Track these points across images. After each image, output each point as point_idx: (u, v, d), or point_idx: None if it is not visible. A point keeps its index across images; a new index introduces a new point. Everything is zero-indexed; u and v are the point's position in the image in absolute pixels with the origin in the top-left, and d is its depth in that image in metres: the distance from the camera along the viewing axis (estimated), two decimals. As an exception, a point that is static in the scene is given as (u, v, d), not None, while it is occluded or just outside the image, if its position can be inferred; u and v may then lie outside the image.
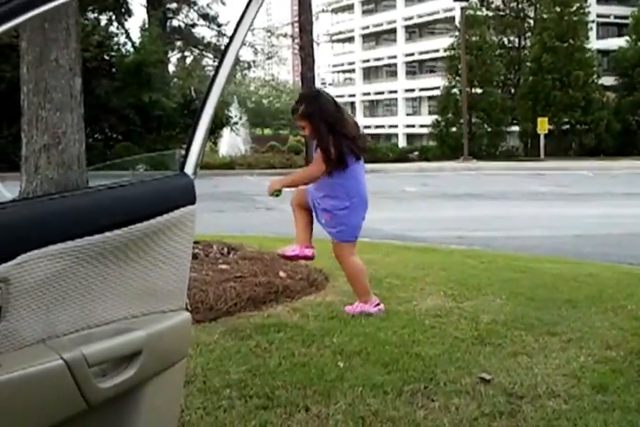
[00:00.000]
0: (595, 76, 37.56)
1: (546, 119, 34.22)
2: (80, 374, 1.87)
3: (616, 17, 51.84)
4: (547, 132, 34.04)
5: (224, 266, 5.82)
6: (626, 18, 43.54)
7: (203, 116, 2.27)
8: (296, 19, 32.20)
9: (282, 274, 5.74)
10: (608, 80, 39.75)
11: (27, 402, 1.80)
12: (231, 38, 2.28)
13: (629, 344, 4.50)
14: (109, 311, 2.06)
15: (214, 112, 2.30)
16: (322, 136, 4.90)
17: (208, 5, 33.59)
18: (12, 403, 1.77)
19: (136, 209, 2.08)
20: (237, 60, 2.38)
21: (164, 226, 2.12)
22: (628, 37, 39.20)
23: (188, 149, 2.29)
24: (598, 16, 47.66)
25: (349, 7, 69.47)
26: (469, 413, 3.44)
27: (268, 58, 35.50)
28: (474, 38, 36.62)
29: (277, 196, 4.95)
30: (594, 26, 42.92)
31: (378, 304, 5.14)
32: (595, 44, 41.73)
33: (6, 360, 1.79)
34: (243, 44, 2.32)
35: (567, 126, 36.80)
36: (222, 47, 31.64)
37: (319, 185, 5.04)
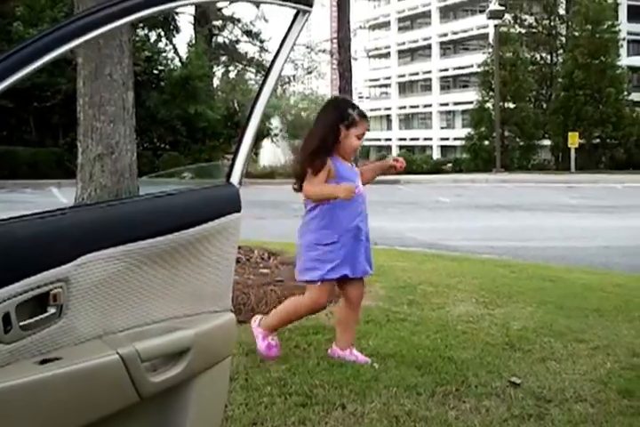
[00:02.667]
0: (625, 92, 37.22)
1: (577, 134, 33.93)
2: (133, 368, 1.92)
3: (646, 35, 51.42)
4: (577, 146, 33.76)
5: (265, 270, 5.87)
6: (656, 35, 43.18)
7: (248, 129, 2.32)
8: (335, 35, 32.29)
9: (320, 279, 5.77)
10: (638, 96, 39.38)
11: (85, 393, 1.86)
12: (276, 55, 2.33)
13: (655, 352, 4.48)
14: (160, 311, 2.11)
15: (259, 124, 2.35)
16: None
17: (251, 22, 33.75)
18: (71, 394, 1.83)
19: (185, 216, 2.13)
20: (280, 77, 2.42)
21: (211, 232, 2.17)
22: (657, 54, 38.85)
23: (234, 160, 2.34)
24: (629, 33, 47.25)
25: (386, 24, 69.47)
26: (499, 415, 3.46)
27: (308, 73, 35.57)
28: (507, 54, 36.43)
29: None
30: (624, 43, 42.54)
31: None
32: (625, 60, 41.38)
33: (67, 354, 1.85)
34: (286, 60, 2.37)
35: (598, 140, 36.46)
36: (264, 62, 31.92)
37: None
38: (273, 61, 2.34)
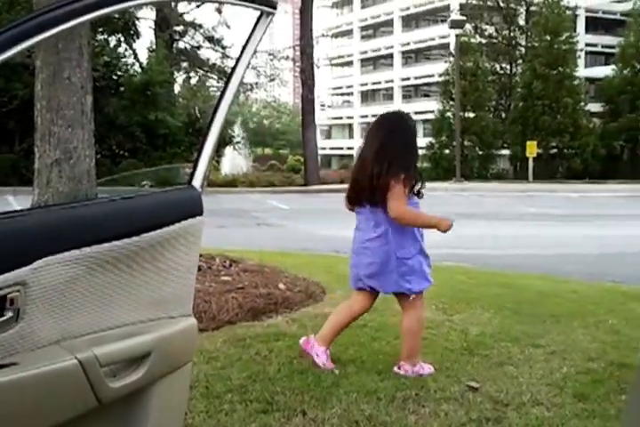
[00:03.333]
0: (582, 102, 37.71)
1: (535, 143, 34.28)
2: (93, 373, 1.90)
3: (603, 46, 52.21)
4: (535, 155, 34.11)
5: (226, 278, 5.85)
6: (613, 47, 43.80)
7: (210, 133, 2.32)
8: (297, 42, 32.35)
9: (281, 286, 5.78)
10: (595, 107, 39.91)
11: (43, 399, 1.84)
12: (239, 56, 2.34)
13: (610, 356, 4.54)
14: (120, 316, 2.09)
15: (221, 129, 2.35)
16: None
17: (213, 28, 33.63)
18: (29, 400, 1.80)
19: (146, 219, 2.13)
20: (242, 82, 2.43)
21: (172, 236, 2.16)
22: (614, 66, 39.39)
23: (196, 164, 2.34)
24: (587, 45, 47.99)
25: (349, 32, 69.77)
26: (458, 419, 3.49)
27: (270, 80, 35.53)
28: (468, 64, 36.71)
29: None
30: (582, 54, 43.16)
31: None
32: (583, 71, 41.96)
33: (24, 359, 1.83)
34: (248, 66, 2.38)
35: (555, 150, 36.86)
36: (226, 69, 31.79)
37: None
38: (236, 62, 2.34)
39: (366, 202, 4.16)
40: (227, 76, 2.41)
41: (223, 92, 2.35)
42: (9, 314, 1.83)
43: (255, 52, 2.37)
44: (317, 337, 4.28)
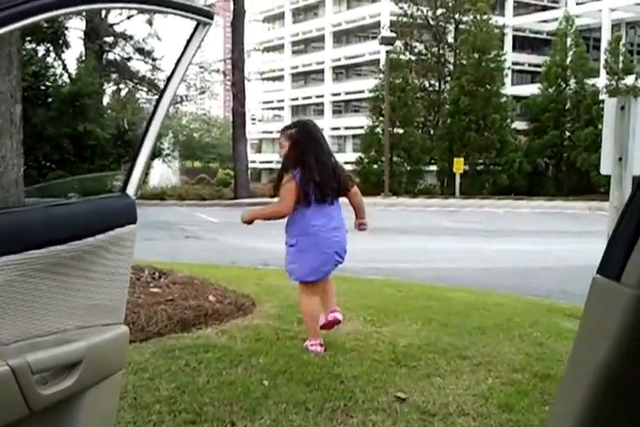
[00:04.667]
0: (509, 120, 38.43)
1: (462, 159, 34.81)
2: (24, 380, 1.88)
3: (530, 64, 53.30)
4: (462, 171, 34.64)
5: (155, 289, 5.82)
6: (539, 66, 44.78)
7: (145, 140, 2.32)
8: (229, 56, 32.35)
9: (211, 298, 5.77)
10: (520, 124, 40.69)
11: None
12: (174, 68, 2.34)
13: (534, 368, 4.65)
14: (52, 322, 2.07)
15: (156, 137, 2.36)
16: (296, 161, 4.92)
17: (144, 40, 33.45)
18: None
19: (79, 226, 2.11)
20: (179, 85, 2.45)
21: (105, 243, 2.15)
22: (539, 84, 40.29)
23: (130, 172, 2.33)
24: (513, 63, 48.94)
25: (280, 47, 69.93)
26: (385, 429, 3.54)
27: (201, 93, 35.43)
28: (397, 81, 37.08)
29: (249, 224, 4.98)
30: (509, 72, 44.02)
31: (320, 345, 4.92)
32: (510, 89, 42.78)
33: None
34: (185, 74, 2.40)
35: (482, 166, 37.41)
36: (156, 81, 31.58)
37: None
38: (173, 71, 2.35)
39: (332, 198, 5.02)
40: (157, 89, 2.42)
41: (159, 99, 2.35)
42: None
43: (192, 59, 2.38)
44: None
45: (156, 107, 2.35)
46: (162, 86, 2.45)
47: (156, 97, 2.41)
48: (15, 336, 1.98)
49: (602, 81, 37.80)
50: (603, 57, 38.84)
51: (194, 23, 2.35)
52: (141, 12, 31.39)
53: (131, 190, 2.31)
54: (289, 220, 4.95)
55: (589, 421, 0.93)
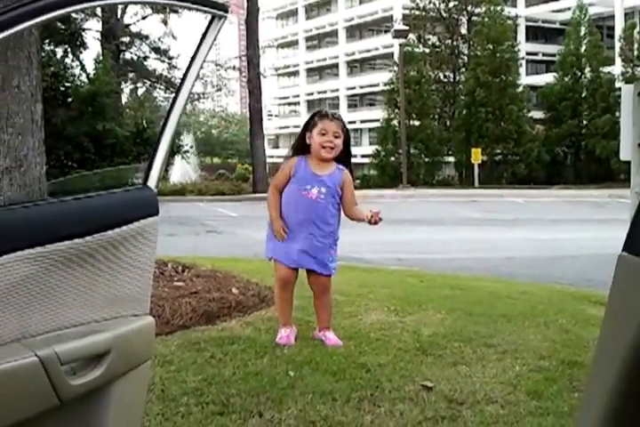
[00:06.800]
0: (525, 109, 38.26)
1: (479, 150, 34.69)
2: (53, 370, 1.88)
3: (544, 54, 53.03)
4: (480, 162, 34.52)
5: (179, 283, 5.81)
6: (553, 55, 44.56)
7: (164, 135, 2.31)
8: (244, 53, 32.36)
9: (234, 290, 5.75)
10: (537, 114, 40.52)
11: (2, 396, 1.81)
12: (191, 62, 2.33)
13: (561, 355, 4.59)
14: (79, 314, 2.07)
15: (174, 132, 2.35)
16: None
17: (159, 39, 33.55)
18: None
19: (103, 218, 2.11)
20: (196, 79, 2.44)
21: (128, 235, 2.15)
22: (555, 74, 40.08)
23: (150, 165, 2.33)
24: (527, 53, 48.69)
25: (294, 43, 69.97)
26: (413, 417, 3.49)
27: (218, 90, 35.49)
28: (412, 73, 37.02)
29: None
30: (523, 62, 43.81)
31: (281, 337, 4.74)
32: (525, 79, 42.58)
33: None
34: (201, 68, 2.38)
35: (500, 157, 37.33)
36: (173, 79, 31.67)
37: None
38: (190, 64, 2.34)
39: None
40: (174, 87, 2.41)
41: (177, 95, 2.35)
42: None
43: (208, 53, 2.37)
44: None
45: (173, 102, 2.34)
46: (178, 84, 2.43)
47: (173, 95, 2.39)
48: (43, 328, 1.98)
49: (617, 69, 37.59)
50: (617, 45, 38.56)
51: (207, 20, 2.34)
52: (156, 11, 31.53)
53: (152, 183, 2.31)
54: (336, 218, 4.84)
55: (621, 403, 0.89)
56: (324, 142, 4.63)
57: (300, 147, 4.74)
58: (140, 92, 36.09)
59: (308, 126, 4.68)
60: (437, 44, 41.88)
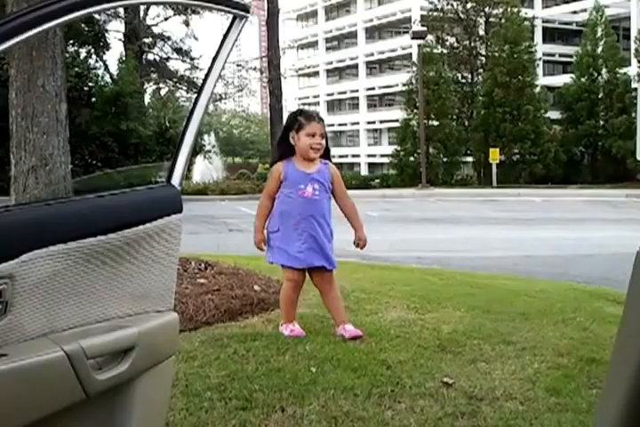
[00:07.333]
0: (542, 110, 38.05)
1: (497, 150, 34.51)
2: (79, 365, 1.88)
3: (560, 55, 52.76)
4: (498, 161, 34.35)
5: (202, 280, 5.81)
6: (569, 56, 44.31)
7: (186, 134, 2.32)
8: (264, 54, 32.39)
9: (256, 288, 5.75)
10: (554, 114, 40.30)
11: (31, 390, 1.82)
12: (213, 60, 2.33)
13: (579, 352, 4.56)
14: (105, 309, 2.08)
15: (197, 131, 2.35)
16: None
17: (181, 40, 33.67)
18: (17, 390, 1.78)
19: (128, 215, 2.12)
20: (219, 78, 2.45)
21: (153, 232, 2.16)
22: (571, 74, 39.86)
23: (174, 163, 2.33)
24: (544, 55, 48.46)
25: (314, 44, 69.98)
26: (433, 413, 3.48)
27: (239, 90, 35.57)
28: (430, 74, 36.88)
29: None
30: (541, 63, 43.60)
31: (292, 330, 4.82)
32: (542, 80, 42.38)
33: (12, 351, 1.81)
34: (223, 67, 2.37)
35: (517, 156, 37.15)
36: (195, 80, 31.75)
37: None
38: (211, 66, 2.34)
39: None
40: (196, 87, 2.42)
41: (199, 93, 2.35)
42: None
43: (229, 56, 2.37)
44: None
45: (195, 102, 2.34)
46: (200, 84, 2.43)
47: (195, 95, 2.40)
48: (69, 323, 1.99)
49: (633, 69, 37.30)
50: (633, 46, 38.28)
51: (229, 21, 2.34)
52: (178, 12, 31.62)
53: (175, 181, 2.31)
54: (330, 212, 4.92)
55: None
56: (313, 144, 4.69)
57: (287, 149, 4.76)
58: (163, 92, 36.23)
59: (293, 127, 4.71)
60: (455, 45, 41.75)
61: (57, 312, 1.94)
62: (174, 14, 32.33)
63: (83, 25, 26.96)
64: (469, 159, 39.24)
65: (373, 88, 62.72)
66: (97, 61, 30.24)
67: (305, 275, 4.91)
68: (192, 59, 33.57)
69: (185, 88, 33.84)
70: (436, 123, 37.01)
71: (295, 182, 4.72)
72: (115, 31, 31.47)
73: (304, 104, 73.26)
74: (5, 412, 1.76)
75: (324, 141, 4.76)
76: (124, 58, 29.96)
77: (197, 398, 3.56)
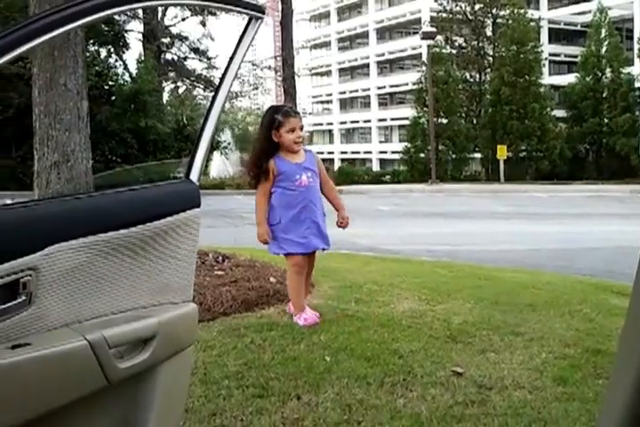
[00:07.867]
0: (548, 108, 37.92)
1: (504, 147, 34.41)
2: (101, 353, 1.88)
3: (566, 55, 52.52)
4: (505, 158, 34.24)
5: (219, 272, 5.81)
6: (575, 56, 44.14)
7: (204, 131, 2.31)
8: (279, 53, 32.35)
9: (272, 279, 5.74)
10: (559, 112, 40.15)
11: (54, 378, 1.82)
12: (230, 61, 2.33)
13: (585, 343, 4.53)
14: (125, 300, 2.08)
15: (215, 128, 2.35)
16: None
17: (198, 40, 33.71)
18: (41, 379, 1.78)
19: (148, 210, 2.12)
20: (236, 76, 2.45)
21: (173, 226, 2.16)
22: (576, 74, 39.72)
23: (192, 159, 2.33)
24: (550, 55, 48.24)
25: (327, 44, 69.85)
26: (444, 402, 3.47)
27: (254, 89, 35.59)
28: (439, 73, 36.82)
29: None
30: (546, 63, 43.41)
31: (306, 319, 4.82)
32: (547, 79, 42.20)
33: (36, 340, 1.81)
34: (239, 67, 2.37)
35: (524, 153, 37.05)
36: (212, 79, 31.78)
37: None
38: (227, 65, 2.33)
39: None
40: (212, 86, 2.42)
41: (216, 92, 2.36)
42: (22, 297, 1.81)
43: (246, 52, 2.36)
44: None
45: (212, 100, 2.34)
46: (217, 83, 2.43)
47: (213, 93, 2.40)
48: (92, 314, 1.99)
49: (636, 69, 37.17)
50: (636, 46, 38.10)
51: (245, 22, 2.33)
52: (195, 13, 31.63)
53: (194, 176, 2.31)
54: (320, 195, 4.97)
55: None
56: (296, 139, 4.75)
57: (271, 146, 4.77)
58: (181, 90, 36.29)
59: (273, 125, 4.73)
60: (464, 45, 41.64)
61: (79, 303, 1.94)
62: (191, 15, 32.35)
63: (103, 25, 27.01)
64: (477, 156, 39.16)
65: (384, 87, 62.56)
66: (117, 61, 30.34)
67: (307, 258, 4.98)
68: (209, 58, 33.63)
69: (202, 86, 33.89)
70: (445, 120, 36.97)
71: (291, 175, 4.78)
72: (134, 31, 31.56)
73: (317, 102, 73.31)
74: (30, 398, 1.76)
75: (302, 133, 4.86)
76: (142, 57, 30.00)
77: (215, 386, 3.57)
